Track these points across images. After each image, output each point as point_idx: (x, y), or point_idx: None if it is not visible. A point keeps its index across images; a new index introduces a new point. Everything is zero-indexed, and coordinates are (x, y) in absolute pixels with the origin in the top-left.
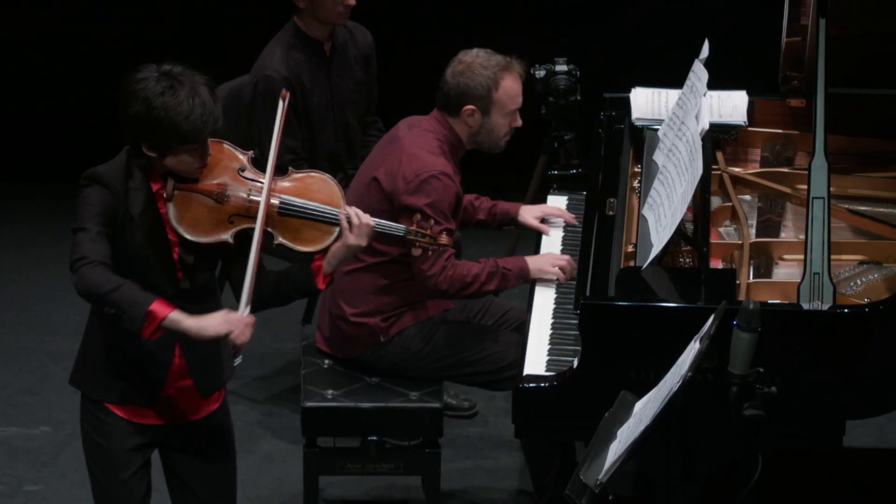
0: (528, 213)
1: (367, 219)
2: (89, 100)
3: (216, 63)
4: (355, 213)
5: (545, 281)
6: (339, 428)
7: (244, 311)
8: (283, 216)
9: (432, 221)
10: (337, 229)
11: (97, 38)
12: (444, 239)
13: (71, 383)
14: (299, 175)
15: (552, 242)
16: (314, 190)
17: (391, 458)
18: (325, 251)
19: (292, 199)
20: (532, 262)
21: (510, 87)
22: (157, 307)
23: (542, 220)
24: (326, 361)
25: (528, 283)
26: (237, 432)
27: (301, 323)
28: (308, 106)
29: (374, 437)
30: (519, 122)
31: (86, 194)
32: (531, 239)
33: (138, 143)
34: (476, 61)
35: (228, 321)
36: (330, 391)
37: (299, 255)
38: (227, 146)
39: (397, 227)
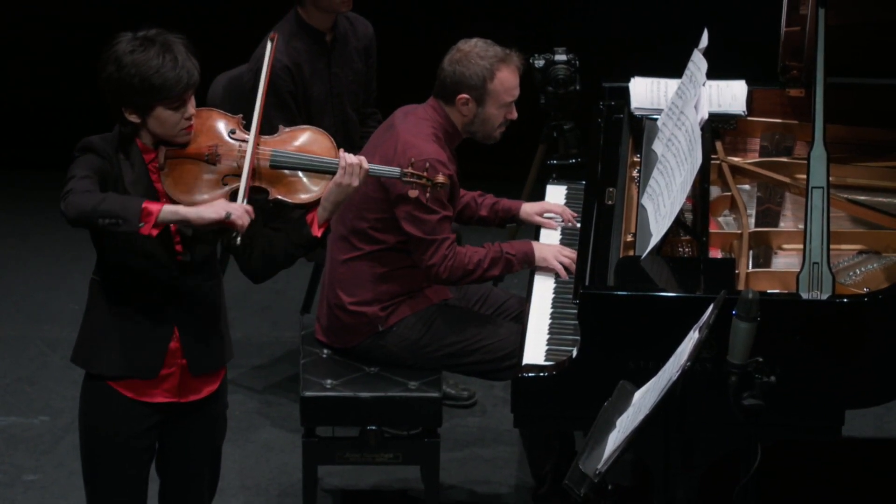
0: (531, 209)
1: (361, 159)
2: (89, 87)
3: (217, 52)
4: (342, 154)
5: (544, 270)
6: (338, 417)
7: (242, 201)
8: (274, 169)
9: (427, 164)
10: (329, 177)
11: (97, 24)
12: (440, 178)
13: (73, 361)
14: (289, 130)
15: (552, 233)
16: (305, 142)
17: (390, 448)
18: (319, 203)
19: (282, 150)
20: (538, 249)
21: (506, 79)
22: (150, 203)
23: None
24: (325, 351)
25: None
26: (236, 421)
27: (300, 312)
28: (307, 96)
29: (373, 427)
30: (514, 115)
31: (77, 161)
32: (530, 233)
33: (119, 109)
34: (474, 51)
35: (227, 205)
36: (329, 381)
37: (295, 210)
38: (215, 111)
39: (392, 171)
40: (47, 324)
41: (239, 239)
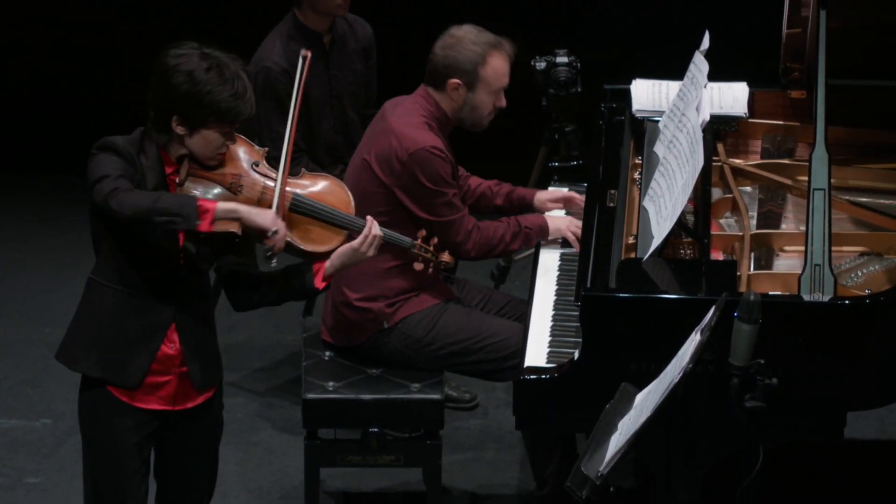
0: (544, 197)
1: (378, 230)
2: (89, 88)
3: None
4: (370, 222)
5: (545, 271)
6: (340, 420)
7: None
8: (293, 213)
9: (435, 240)
10: (345, 233)
11: (97, 24)
12: (445, 257)
13: (57, 357)
14: (312, 176)
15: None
16: (326, 192)
17: (392, 450)
18: (328, 255)
19: (305, 197)
20: (551, 221)
21: (498, 66)
22: (204, 200)
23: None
24: (327, 353)
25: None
26: (238, 424)
27: (302, 315)
28: (307, 98)
29: (375, 429)
30: (503, 103)
31: (101, 158)
32: None
33: (169, 117)
34: (467, 36)
35: (278, 222)
36: (331, 383)
37: (304, 255)
38: (244, 140)
39: (403, 240)
40: (49, 326)
41: (274, 261)
